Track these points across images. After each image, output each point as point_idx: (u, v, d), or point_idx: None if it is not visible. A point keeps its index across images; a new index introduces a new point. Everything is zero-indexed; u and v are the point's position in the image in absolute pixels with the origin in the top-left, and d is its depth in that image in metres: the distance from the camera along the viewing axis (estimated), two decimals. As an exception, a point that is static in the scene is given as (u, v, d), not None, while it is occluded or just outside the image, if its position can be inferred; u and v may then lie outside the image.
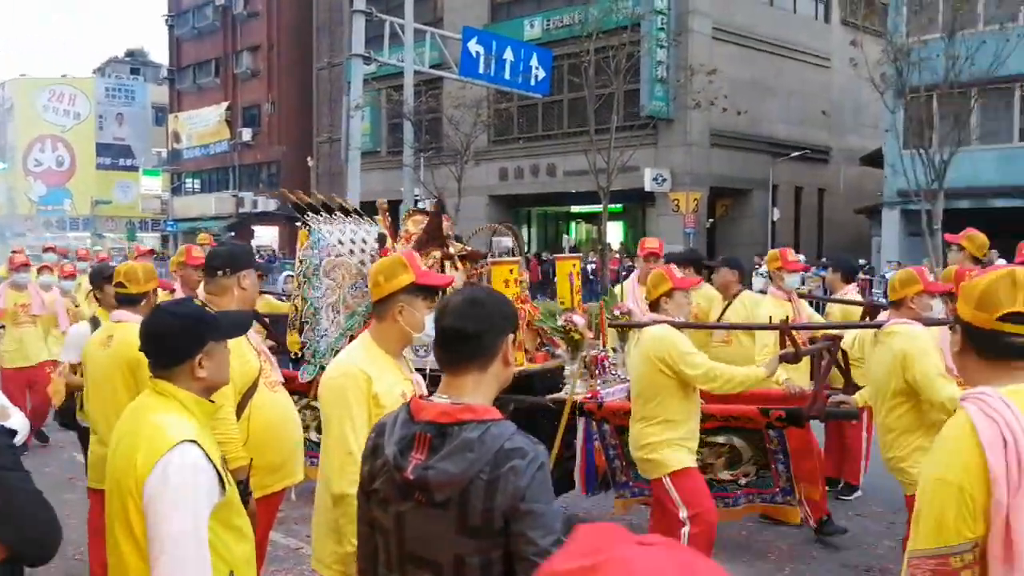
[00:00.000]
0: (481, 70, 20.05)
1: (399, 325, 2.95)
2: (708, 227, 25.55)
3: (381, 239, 5.54)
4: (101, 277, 5.41)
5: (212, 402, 2.53)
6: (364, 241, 5.47)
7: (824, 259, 18.20)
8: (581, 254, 5.61)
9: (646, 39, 23.50)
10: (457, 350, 2.06)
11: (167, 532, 2.19)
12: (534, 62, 21.22)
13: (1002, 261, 16.37)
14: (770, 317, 5.69)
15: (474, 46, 19.86)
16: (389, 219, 5.91)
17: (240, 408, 3.58)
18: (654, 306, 4.64)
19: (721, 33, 26.44)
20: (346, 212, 5.65)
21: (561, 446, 5.29)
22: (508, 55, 20.65)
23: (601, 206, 20.74)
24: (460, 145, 21.64)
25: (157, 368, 2.45)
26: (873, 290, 18.40)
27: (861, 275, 16.49)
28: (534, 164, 29.05)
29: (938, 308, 4.21)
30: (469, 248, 6.01)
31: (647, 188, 25.07)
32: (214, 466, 2.29)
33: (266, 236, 43.56)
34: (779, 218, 27.77)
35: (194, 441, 2.28)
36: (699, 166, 26.11)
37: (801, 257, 7.93)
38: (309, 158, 40.13)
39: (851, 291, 7.02)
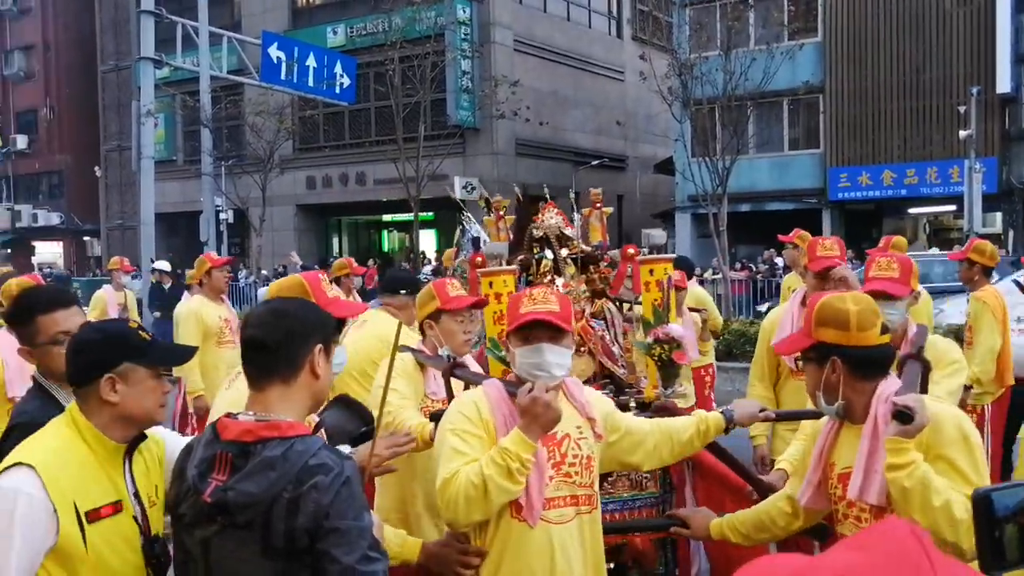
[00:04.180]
0: (283, 76, 19.55)
1: None
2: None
3: (475, 243, 4.83)
4: None
5: None
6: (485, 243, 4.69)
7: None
8: (669, 256, 4.41)
9: (450, 49, 23.79)
10: (259, 363, 1.97)
11: None
12: (338, 69, 20.95)
13: (780, 259, 17.84)
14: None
15: (275, 52, 19.35)
16: (507, 214, 4.75)
17: None
18: (421, 332, 3.64)
19: (522, 45, 27.23)
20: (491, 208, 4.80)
21: None
22: (311, 61, 20.27)
23: (412, 214, 20.73)
24: (263, 153, 20.96)
25: None
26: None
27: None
28: (343, 172, 28.62)
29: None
30: (585, 247, 4.29)
31: (457, 196, 25.34)
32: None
33: (48, 253, 40.21)
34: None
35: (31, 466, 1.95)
36: (507, 174, 26.69)
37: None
38: (96, 168, 37.46)
39: (694, 286, 7.20)
